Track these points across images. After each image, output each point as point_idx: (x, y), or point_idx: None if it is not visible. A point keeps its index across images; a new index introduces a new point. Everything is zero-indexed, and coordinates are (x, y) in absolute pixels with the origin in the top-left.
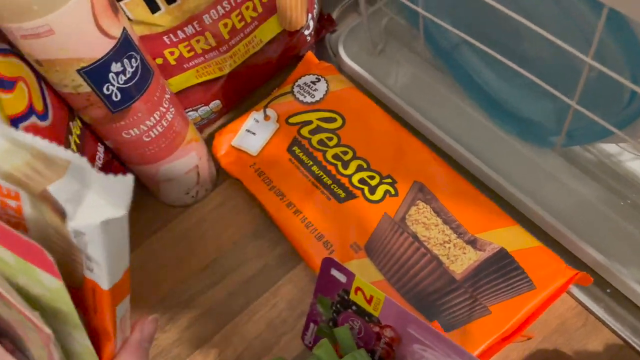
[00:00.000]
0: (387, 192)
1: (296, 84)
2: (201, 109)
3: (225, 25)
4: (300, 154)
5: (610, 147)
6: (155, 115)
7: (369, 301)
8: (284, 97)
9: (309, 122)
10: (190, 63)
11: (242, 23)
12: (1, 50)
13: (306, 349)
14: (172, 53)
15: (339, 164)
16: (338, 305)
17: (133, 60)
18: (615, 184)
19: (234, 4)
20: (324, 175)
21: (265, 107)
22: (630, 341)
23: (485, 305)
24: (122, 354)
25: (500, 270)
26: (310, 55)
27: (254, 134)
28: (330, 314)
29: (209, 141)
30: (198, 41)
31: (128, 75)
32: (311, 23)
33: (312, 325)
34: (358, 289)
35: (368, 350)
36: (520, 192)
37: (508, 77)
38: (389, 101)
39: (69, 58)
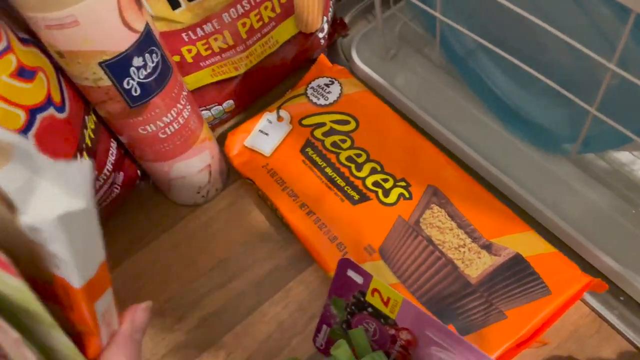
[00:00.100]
0: (401, 195)
1: (310, 86)
2: (214, 108)
3: (244, 24)
4: (314, 156)
5: (622, 155)
6: (172, 112)
7: (386, 303)
8: (297, 99)
9: (323, 124)
10: (206, 61)
11: (260, 23)
12: (23, 40)
13: (317, 352)
14: (189, 51)
15: (353, 166)
16: (353, 307)
17: (154, 55)
18: (628, 191)
19: (253, 4)
20: (338, 177)
21: (279, 108)
22: None
23: (501, 309)
24: (111, 348)
25: (516, 275)
26: (323, 58)
27: (266, 134)
28: (345, 315)
29: (220, 141)
30: (216, 39)
31: (148, 70)
32: (325, 26)
33: (324, 327)
34: (375, 290)
35: None
36: (534, 199)
37: (524, 83)
38: (402, 106)
39: (92, 50)
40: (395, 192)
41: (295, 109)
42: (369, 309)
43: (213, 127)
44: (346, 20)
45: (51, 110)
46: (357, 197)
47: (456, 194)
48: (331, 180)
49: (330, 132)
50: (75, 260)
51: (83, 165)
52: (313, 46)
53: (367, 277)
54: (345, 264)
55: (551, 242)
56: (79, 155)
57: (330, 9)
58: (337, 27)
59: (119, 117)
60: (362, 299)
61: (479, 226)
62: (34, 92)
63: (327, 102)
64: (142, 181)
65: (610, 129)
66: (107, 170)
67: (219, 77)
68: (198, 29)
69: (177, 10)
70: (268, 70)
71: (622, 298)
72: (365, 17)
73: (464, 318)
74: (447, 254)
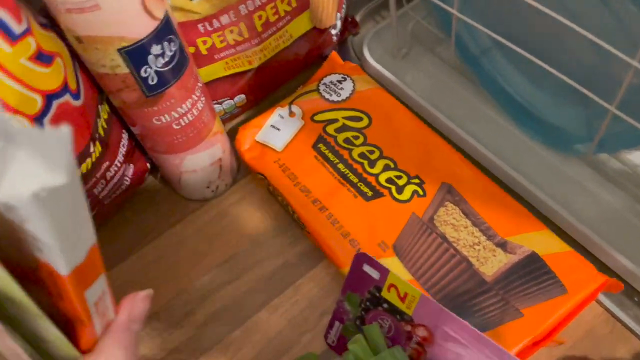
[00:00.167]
0: (415, 192)
1: (322, 82)
2: (226, 102)
3: (260, 17)
4: (326, 152)
5: (636, 156)
6: (187, 103)
7: (403, 299)
8: (309, 95)
9: (335, 120)
10: (221, 54)
11: (276, 16)
12: (41, 25)
13: (328, 349)
14: (204, 42)
15: (365, 162)
16: (367, 303)
17: (172, 44)
18: None
19: None
20: (350, 174)
21: (290, 103)
22: None
23: (517, 307)
24: (106, 339)
25: (532, 273)
26: (335, 55)
27: (278, 129)
28: (359, 311)
29: (230, 136)
30: (231, 32)
31: (166, 59)
32: (338, 23)
33: (337, 323)
34: (392, 285)
35: None
36: (548, 198)
37: (539, 82)
38: (414, 103)
39: (111, 36)
40: (409, 189)
41: (307, 105)
42: (385, 305)
43: (223, 122)
44: (357, 18)
45: (67, 97)
46: (370, 193)
47: (470, 191)
48: (344, 177)
49: (343, 128)
50: (60, 244)
51: (62, 133)
52: (325, 43)
53: (384, 272)
54: (361, 258)
55: (565, 242)
56: (92, 145)
57: (344, 6)
58: (349, 25)
59: (134, 107)
60: (377, 294)
61: (493, 224)
62: (51, 77)
63: (339, 99)
64: (151, 175)
65: (626, 129)
66: (119, 161)
67: (232, 71)
68: (214, 20)
69: (195, 1)
70: (281, 65)
71: (636, 299)
72: (375, 16)
73: (479, 316)
74: (461, 252)
